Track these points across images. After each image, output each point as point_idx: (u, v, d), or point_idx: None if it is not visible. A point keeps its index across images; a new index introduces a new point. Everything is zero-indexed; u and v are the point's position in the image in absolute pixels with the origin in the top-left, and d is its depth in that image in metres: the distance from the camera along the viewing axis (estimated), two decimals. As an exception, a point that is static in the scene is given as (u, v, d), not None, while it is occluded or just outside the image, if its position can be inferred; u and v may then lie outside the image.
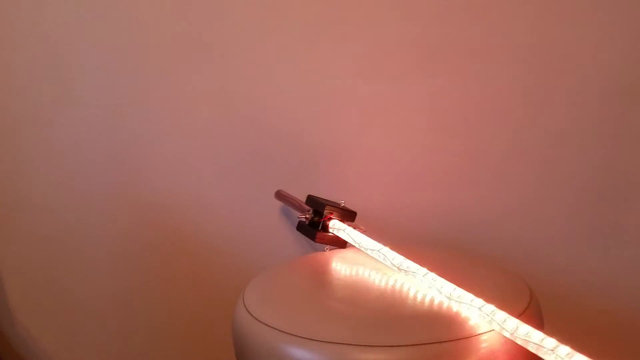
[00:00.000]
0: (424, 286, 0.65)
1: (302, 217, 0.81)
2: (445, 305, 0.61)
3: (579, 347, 0.60)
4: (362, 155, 0.94)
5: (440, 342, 0.55)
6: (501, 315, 0.56)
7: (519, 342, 0.54)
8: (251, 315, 0.62)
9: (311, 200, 0.83)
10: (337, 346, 0.55)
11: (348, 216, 0.81)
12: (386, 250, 0.71)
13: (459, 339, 0.55)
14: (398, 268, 0.68)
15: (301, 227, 0.82)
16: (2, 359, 1.03)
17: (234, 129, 0.93)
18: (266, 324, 0.60)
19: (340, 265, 0.75)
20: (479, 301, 0.58)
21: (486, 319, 0.56)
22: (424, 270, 0.65)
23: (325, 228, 0.79)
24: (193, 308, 1.01)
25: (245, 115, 0.93)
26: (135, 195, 0.96)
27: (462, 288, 0.62)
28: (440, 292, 0.62)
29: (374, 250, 0.72)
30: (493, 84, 0.90)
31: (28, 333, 1.03)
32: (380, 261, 0.72)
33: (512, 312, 0.60)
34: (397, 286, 0.67)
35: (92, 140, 0.94)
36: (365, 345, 0.54)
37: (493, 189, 0.94)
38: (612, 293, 0.92)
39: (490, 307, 0.57)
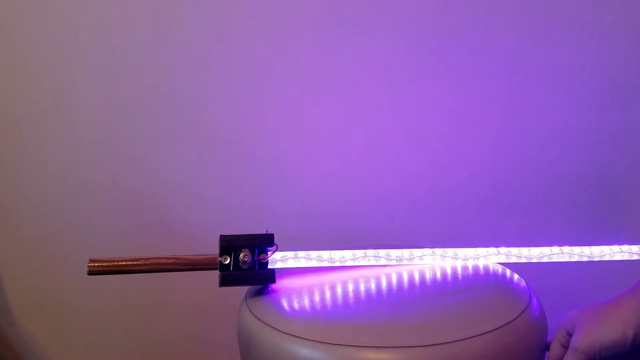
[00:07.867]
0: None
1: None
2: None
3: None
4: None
5: (443, 343, 0.55)
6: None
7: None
8: (255, 317, 0.63)
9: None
10: (343, 348, 0.55)
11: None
12: (383, 252, 0.72)
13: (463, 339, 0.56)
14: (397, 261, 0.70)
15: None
16: (2, 359, 1.03)
17: (236, 129, 0.93)
18: (271, 326, 0.60)
19: (342, 269, 0.75)
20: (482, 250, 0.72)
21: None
22: (426, 250, 0.72)
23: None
24: (194, 308, 1.01)
25: (245, 116, 0.93)
26: (135, 195, 0.96)
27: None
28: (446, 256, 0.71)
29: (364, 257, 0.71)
30: (492, 83, 0.90)
31: (28, 333, 1.03)
32: (376, 265, 0.72)
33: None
34: (397, 286, 0.68)
35: (92, 140, 0.94)
36: (370, 347, 0.55)
37: (493, 187, 0.95)
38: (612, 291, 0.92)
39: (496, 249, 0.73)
